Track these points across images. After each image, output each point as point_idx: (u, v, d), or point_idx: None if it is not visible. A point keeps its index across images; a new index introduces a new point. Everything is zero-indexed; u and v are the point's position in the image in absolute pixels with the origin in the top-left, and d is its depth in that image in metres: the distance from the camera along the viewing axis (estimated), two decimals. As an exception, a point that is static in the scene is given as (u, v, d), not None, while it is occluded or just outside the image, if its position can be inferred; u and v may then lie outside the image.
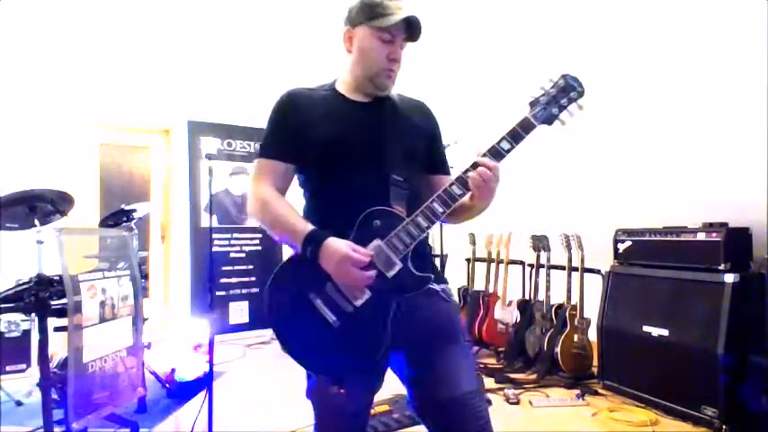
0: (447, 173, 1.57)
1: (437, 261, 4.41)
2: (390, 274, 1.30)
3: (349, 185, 1.39)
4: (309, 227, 1.33)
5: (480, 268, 4.64)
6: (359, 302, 1.31)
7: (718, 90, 3.23)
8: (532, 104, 1.37)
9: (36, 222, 2.77)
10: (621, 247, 3.39)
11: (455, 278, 4.88)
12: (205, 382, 2.84)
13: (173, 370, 3.43)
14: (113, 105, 4.84)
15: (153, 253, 5.28)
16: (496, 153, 1.32)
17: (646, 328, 3.09)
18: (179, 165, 5.23)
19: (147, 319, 3.21)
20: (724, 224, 2.88)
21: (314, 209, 1.46)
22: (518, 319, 4.11)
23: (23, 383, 3.41)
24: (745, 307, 2.71)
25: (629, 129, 3.75)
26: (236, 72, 5.45)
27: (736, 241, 2.83)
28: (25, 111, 4.43)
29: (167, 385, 3.39)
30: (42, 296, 2.29)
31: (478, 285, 4.68)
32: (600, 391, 3.36)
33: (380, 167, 1.38)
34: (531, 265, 4.11)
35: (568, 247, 3.77)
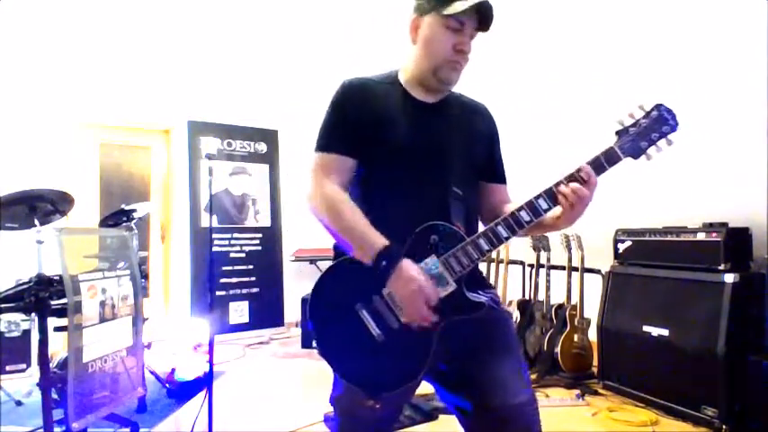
0: (504, 182, 1.53)
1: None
2: (442, 294, 1.25)
3: (408, 194, 1.34)
4: (384, 240, 1.25)
5: (480, 268, 4.63)
6: (406, 320, 1.26)
7: (718, 90, 3.23)
8: (620, 134, 1.29)
9: (36, 222, 2.77)
10: (621, 247, 3.39)
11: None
12: (205, 382, 2.84)
13: (173, 370, 3.43)
14: (113, 105, 4.84)
15: (153, 253, 5.28)
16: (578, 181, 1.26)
17: (646, 328, 3.09)
18: (179, 165, 5.23)
19: (147, 319, 3.21)
20: (724, 224, 2.87)
21: (365, 210, 1.34)
22: (518, 319, 4.11)
23: (23, 383, 3.41)
24: (745, 307, 2.71)
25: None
26: (236, 72, 5.45)
27: (736, 241, 2.83)
28: (25, 111, 4.43)
29: (167, 385, 3.39)
30: (42, 296, 2.28)
31: (478, 285, 4.66)
32: (600, 391, 3.36)
33: (442, 179, 1.34)
34: (531, 265, 4.11)
35: (568, 247, 3.77)
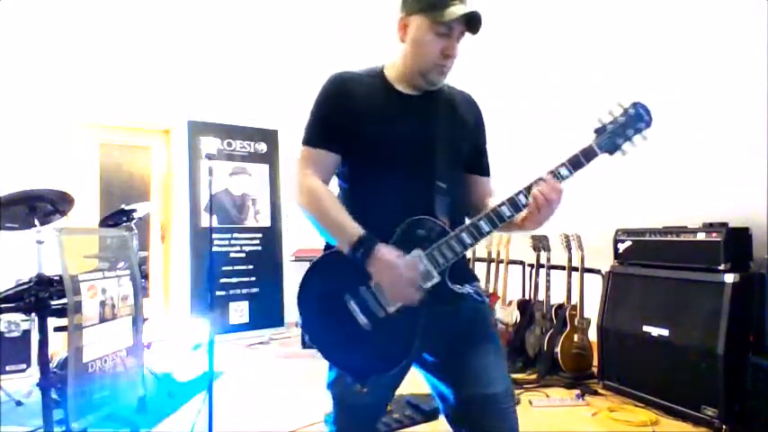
0: (488, 174, 1.54)
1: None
2: (427, 285, 1.29)
3: (392, 188, 1.36)
4: (360, 230, 1.29)
5: (480, 268, 4.64)
6: (392, 309, 1.30)
7: (718, 90, 3.23)
8: (598, 132, 1.33)
9: (36, 222, 2.77)
10: (621, 247, 3.39)
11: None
12: (205, 382, 2.84)
13: (173, 370, 3.43)
14: (113, 105, 4.85)
15: (153, 253, 5.28)
16: (555, 177, 1.30)
17: (646, 328, 3.09)
18: (179, 165, 5.23)
19: (147, 319, 3.20)
20: (724, 224, 2.87)
21: (351, 204, 1.38)
22: (518, 319, 4.11)
23: (23, 383, 3.41)
24: (745, 307, 2.70)
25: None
26: (235, 72, 5.45)
27: (736, 241, 2.83)
28: (25, 111, 4.43)
29: (167, 385, 3.39)
30: (42, 296, 2.28)
31: (478, 285, 4.67)
32: (600, 391, 3.36)
33: (427, 172, 1.35)
34: (531, 265, 4.11)
35: (568, 247, 3.77)
